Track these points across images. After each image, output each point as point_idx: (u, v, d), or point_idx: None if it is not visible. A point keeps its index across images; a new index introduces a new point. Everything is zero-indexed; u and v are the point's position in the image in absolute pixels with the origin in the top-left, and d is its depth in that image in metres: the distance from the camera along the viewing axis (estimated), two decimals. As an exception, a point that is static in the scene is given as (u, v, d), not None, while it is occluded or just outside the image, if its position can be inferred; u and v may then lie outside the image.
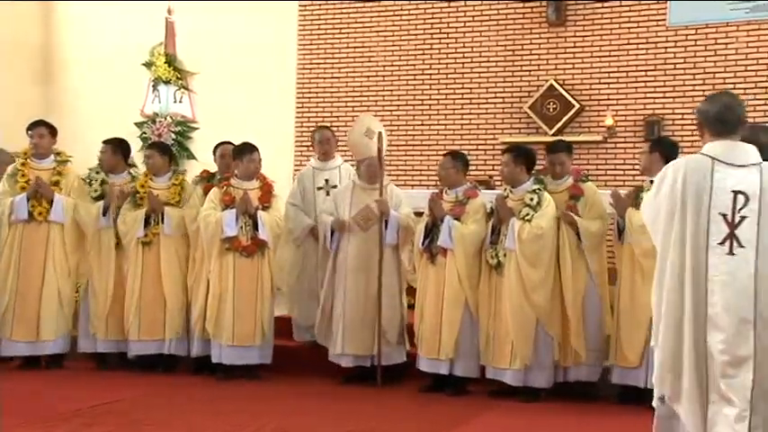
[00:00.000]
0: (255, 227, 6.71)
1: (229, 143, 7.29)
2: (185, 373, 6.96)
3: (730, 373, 3.63)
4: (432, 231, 6.36)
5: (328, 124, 9.18)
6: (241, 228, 6.70)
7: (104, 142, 7.35)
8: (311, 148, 7.95)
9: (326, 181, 7.32)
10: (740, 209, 3.78)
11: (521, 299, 6.12)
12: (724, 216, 3.77)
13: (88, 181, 7.20)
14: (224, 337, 6.65)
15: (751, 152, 3.87)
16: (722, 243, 3.76)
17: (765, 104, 9.14)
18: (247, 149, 6.93)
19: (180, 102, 11.71)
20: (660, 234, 3.89)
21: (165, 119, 11.52)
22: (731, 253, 3.73)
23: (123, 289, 7.04)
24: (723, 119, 3.89)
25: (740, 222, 3.76)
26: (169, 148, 7.77)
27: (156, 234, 6.98)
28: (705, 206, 3.78)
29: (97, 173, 7.24)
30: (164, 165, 7.21)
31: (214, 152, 7.36)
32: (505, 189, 6.50)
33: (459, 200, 6.43)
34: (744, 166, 3.82)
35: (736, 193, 3.79)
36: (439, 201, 6.44)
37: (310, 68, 11.05)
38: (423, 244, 6.39)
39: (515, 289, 6.13)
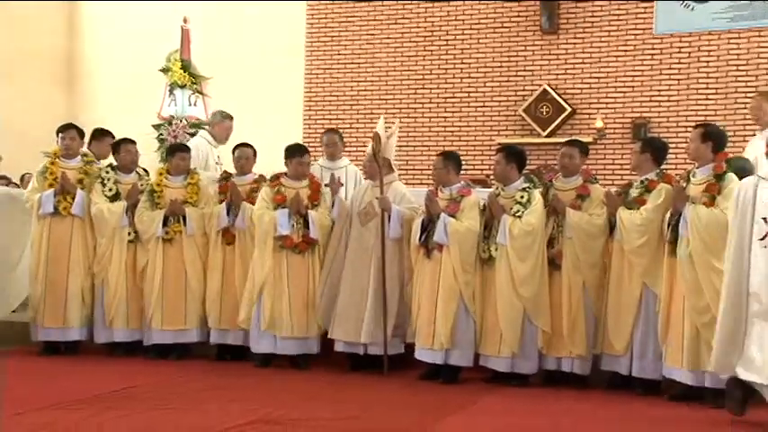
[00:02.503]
0: (306, 225, 6.64)
1: (248, 145, 7.22)
2: (203, 361, 6.92)
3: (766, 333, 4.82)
4: (428, 228, 6.32)
5: (334, 126, 9.21)
6: (293, 226, 6.65)
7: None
8: (319, 149, 7.97)
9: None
10: None
11: (510, 291, 6.08)
12: (764, 219, 4.91)
13: (101, 180, 7.16)
14: (282, 329, 6.59)
15: None
16: (762, 239, 4.91)
17: (744, 107, 9.16)
18: (297, 151, 6.87)
19: (194, 105, 11.70)
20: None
21: (181, 121, 11.51)
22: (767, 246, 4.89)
23: (138, 282, 7.06)
24: None
25: None
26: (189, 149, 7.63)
27: (178, 232, 6.96)
28: (750, 213, 4.94)
29: (107, 172, 7.21)
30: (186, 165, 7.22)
31: (233, 153, 7.25)
32: (497, 187, 6.46)
33: (453, 198, 6.37)
34: None
35: None
36: (435, 198, 6.38)
37: (317, 73, 11.10)
38: (419, 240, 6.34)
39: (505, 281, 6.10)
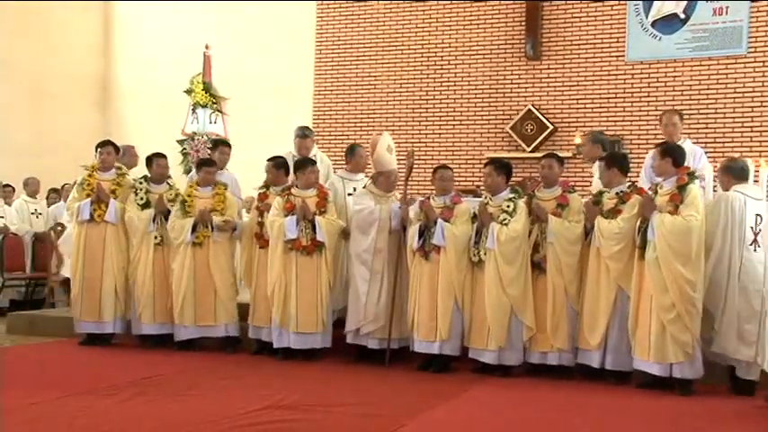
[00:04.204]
0: (314, 229, 6.63)
1: (280, 157, 7.19)
2: (224, 352, 6.94)
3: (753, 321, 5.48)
4: (424, 233, 6.35)
5: (339, 142, 9.26)
6: (301, 230, 6.63)
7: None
8: (343, 160, 7.79)
9: (355, 189, 7.16)
10: (759, 223, 5.62)
11: (498, 290, 6.10)
12: (752, 228, 5.58)
13: (134, 190, 7.20)
14: (290, 324, 6.56)
15: (759, 189, 5.79)
16: (751, 244, 5.59)
17: (706, 127, 9.27)
18: (307, 164, 6.90)
19: (215, 122, 11.82)
20: (717, 239, 5.59)
21: (202, 137, 11.63)
22: (755, 250, 5.59)
23: (165, 281, 7.06)
24: (744, 172, 5.77)
25: (759, 232, 5.59)
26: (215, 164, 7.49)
27: (206, 236, 6.97)
28: (743, 223, 5.54)
29: (141, 183, 7.25)
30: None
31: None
32: (485, 197, 6.48)
33: (447, 205, 6.41)
34: (759, 199, 5.68)
35: (757, 215, 5.61)
36: (431, 205, 6.42)
37: (325, 95, 11.14)
38: (417, 244, 6.36)
39: (494, 282, 6.11)
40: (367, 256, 6.55)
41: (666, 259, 5.58)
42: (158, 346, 7.07)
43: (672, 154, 5.86)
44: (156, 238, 7.10)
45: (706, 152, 7.16)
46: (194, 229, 6.97)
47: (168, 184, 7.36)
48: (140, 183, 7.26)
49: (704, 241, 5.60)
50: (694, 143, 7.17)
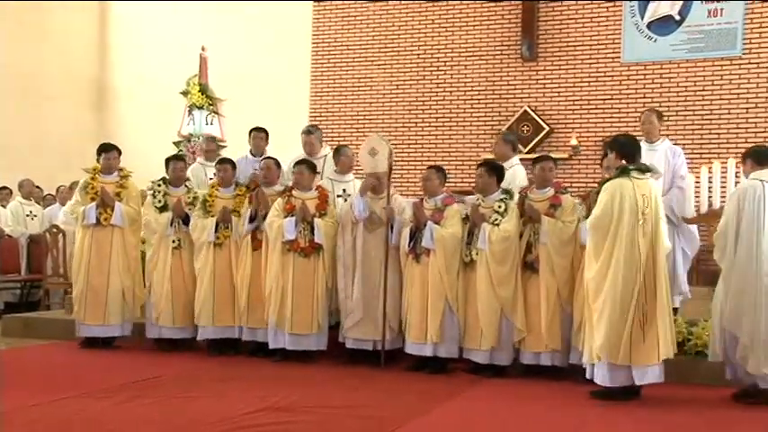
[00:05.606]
0: (313, 231, 6.63)
1: (271, 158, 7.19)
2: (224, 355, 6.92)
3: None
4: (415, 235, 6.35)
5: (336, 144, 9.26)
6: (300, 232, 6.63)
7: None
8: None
9: (344, 190, 7.19)
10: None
11: (489, 291, 6.12)
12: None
13: (152, 193, 7.14)
14: (285, 325, 6.56)
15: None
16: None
17: (701, 128, 9.32)
18: (298, 164, 6.91)
19: (211, 124, 11.74)
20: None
21: (199, 138, 11.61)
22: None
23: (182, 284, 7.02)
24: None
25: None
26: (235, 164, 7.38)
27: (227, 237, 6.93)
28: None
29: (159, 186, 7.19)
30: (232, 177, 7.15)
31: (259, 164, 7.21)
32: (478, 198, 6.47)
33: (437, 207, 6.41)
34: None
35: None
36: (422, 208, 6.43)
37: (321, 96, 11.17)
38: (408, 246, 6.37)
39: (485, 282, 6.12)
40: (340, 252, 6.68)
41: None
42: (174, 349, 7.03)
43: (613, 149, 5.87)
44: (174, 241, 7.05)
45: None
46: (217, 227, 6.91)
47: (187, 186, 7.30)
48: (159, 185, 7.20)
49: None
50: (674, 143, 7.20)
